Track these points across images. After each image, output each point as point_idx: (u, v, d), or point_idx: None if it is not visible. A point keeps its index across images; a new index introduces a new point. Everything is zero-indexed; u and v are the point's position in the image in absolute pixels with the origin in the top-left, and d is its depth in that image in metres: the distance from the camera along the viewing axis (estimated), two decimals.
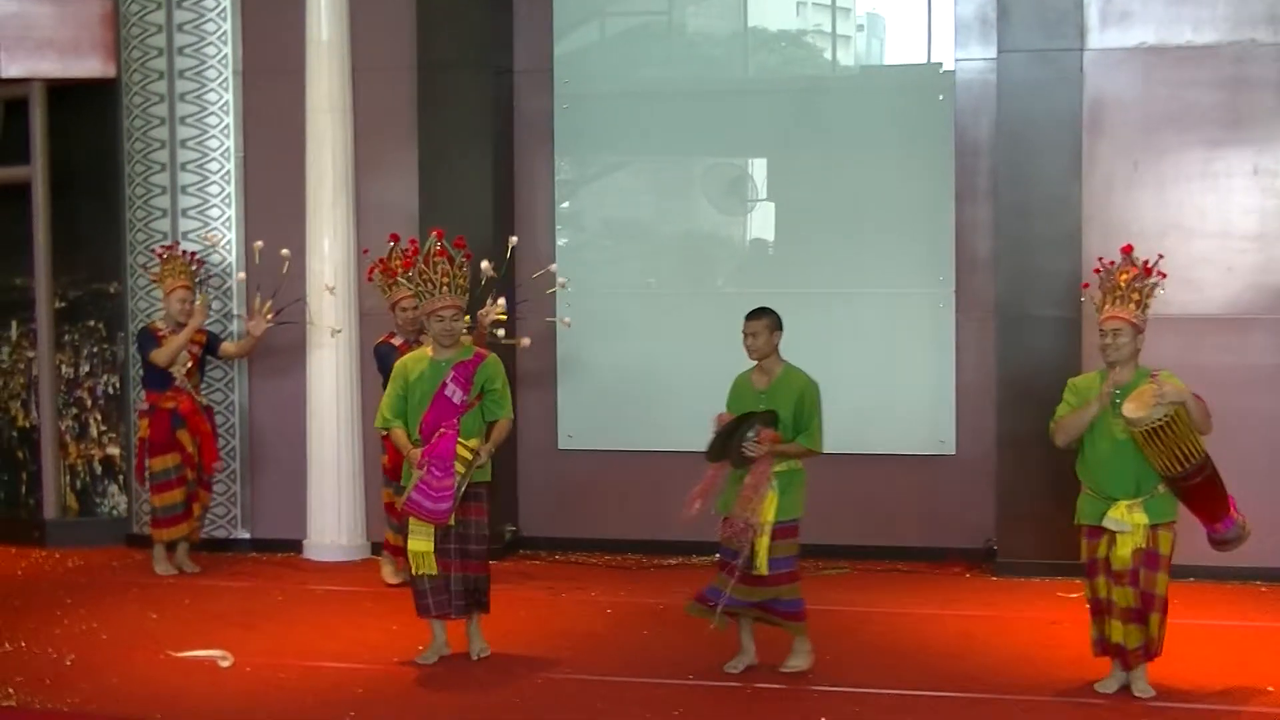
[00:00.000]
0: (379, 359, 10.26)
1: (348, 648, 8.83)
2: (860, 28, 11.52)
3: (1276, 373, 10.45)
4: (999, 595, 10.17)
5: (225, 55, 11.74)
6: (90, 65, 11.94)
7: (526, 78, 11.75)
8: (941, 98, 11.09)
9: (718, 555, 8.26)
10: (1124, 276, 7.75)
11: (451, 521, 8.20)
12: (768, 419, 7.92)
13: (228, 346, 11.19)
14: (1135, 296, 7.72)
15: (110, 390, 12.05)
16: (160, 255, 11.10)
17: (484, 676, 8.20)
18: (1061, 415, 7.84)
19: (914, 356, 11.19)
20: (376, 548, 11.02)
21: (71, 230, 12.10)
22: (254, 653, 8.66)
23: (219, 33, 11.72)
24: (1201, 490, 7.62)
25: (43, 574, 11.16)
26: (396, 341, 10.24)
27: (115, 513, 12.12)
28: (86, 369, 12.17)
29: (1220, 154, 10.51)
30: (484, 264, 9.88)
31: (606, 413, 11.63)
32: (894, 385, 11.14)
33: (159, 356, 10.76)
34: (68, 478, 12.19)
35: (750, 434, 7.88)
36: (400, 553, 10.27)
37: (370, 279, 10.56)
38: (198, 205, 11.76)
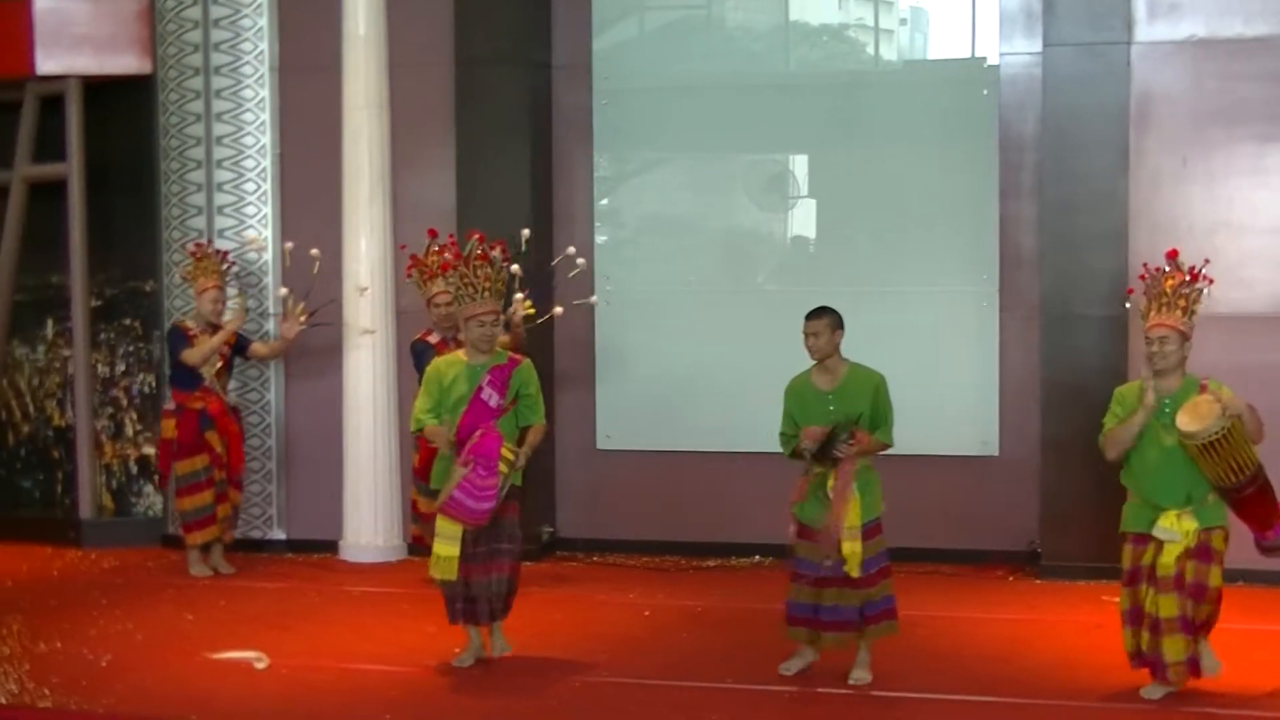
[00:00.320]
0: (415, 357, 10.20)
1: (384, 650, 8.78)
2: (903, 22, 11.41)
3: None
4: (1043, 599, 10.07)
5: (261, 51, 11.68)
6: (126, 61, 11.91)
7: (565, 73, 11.67)
8: (985, 92, 10.96)
9: (794, 568, 8.09)
10: (1170, 282, 7.61)
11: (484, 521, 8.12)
12: (857, 422, 7.83)
13: (258, 347, 11.12)
14: (1182, 303, 7.57)
15: (146, 389, 12.00)
16: (193, 254, 11.03)
17: (520, 680, 8.14)
18: (1110, 428, 7.70)
19: (957, 355, 11.07)
20: (415, 549, 10.94)
21: (107, 228, 12.08)
22: (289, 654, 8.61)
23: (255, 28, 11.66)
24: (1254, 500, 7.49)
25: (78, 574, 11.14)
26: (433, 339, 10.18)
27: (151, 513, 12.07)
28: (122, 368, 12.14)
29: (1272, 149, 10.33)
30: (514, 268, 9.79)
31: (645, 413, 11.54)
32: (936, 384, 11.00)
33: (191, 357, 10.69)
34: (103, 477, 12.16)
35: (843, 436, 7.77)
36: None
37: (409, 275, 10.48)
38: (233, 202, 11.71)
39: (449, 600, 8.31)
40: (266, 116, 11.70)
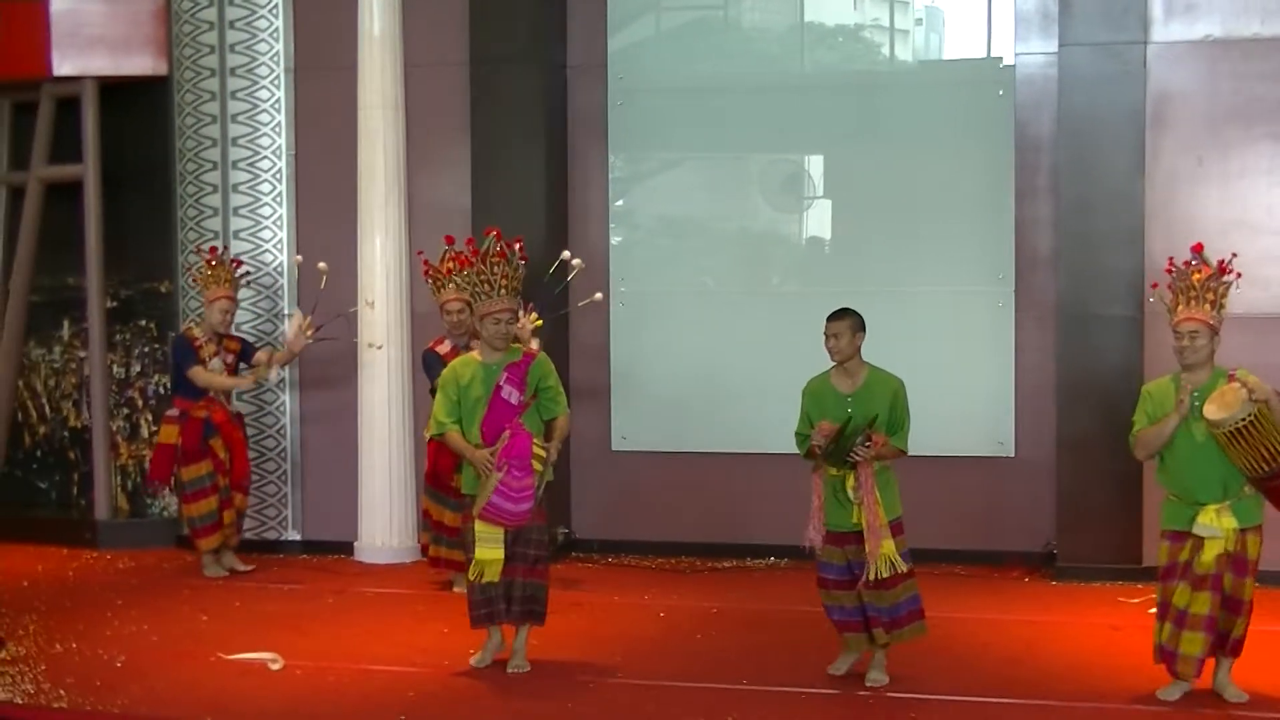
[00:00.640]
0: (426, 368, 10.17)
1: (399, 651, 8.76)
2: (919, 22, 11.38)
3: None
4: (1059, 600, 10.02)
5: (277, 52, 11.69)
6: (142, 63, 11.92)
7: (580, 73, 11.66)
8: (1001, 92, 10.93)
9: (821, 575, 8.06)
10: (1197, 276, 7.59)
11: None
12: (872, 425, 7.80)
13: (263, 356, 11.05)
14: (1210, 297, 7.55)
15: (161, 390, 11.98)
16: (208, 260, 10.99)
17: (536, 682, 8.11)
18: (1140, 428, 7.67)
19: (973, 356, 11.04)
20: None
21: (122, 229, 12.09)
22: (304, 655, 8.60)
23: (271, 29, 11.67)
24: None
25: (94, 575, 11.14)
26: (443, 349, 10.10)
27: (166, 514, 12.07)
28: (138, 369, 12.15)
29: None
30: (573, 259, 9.73)
31: (661, 414, 11.52)
32: (952, 385, 10.97)
33: (198, 377, 10.67)
34: (119, 478, 12.17)
35: (860, 438, 7.73)
36: (438, 562, 10.27)
37: (426, 277, 10.45)
38: (249, 203, 11.71)
39: (473, 605, 8.24)
40: (282, 117, 11.71)
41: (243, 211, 11.74)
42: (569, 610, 9.46)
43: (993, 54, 11.08)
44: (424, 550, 10.73)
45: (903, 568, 7.85)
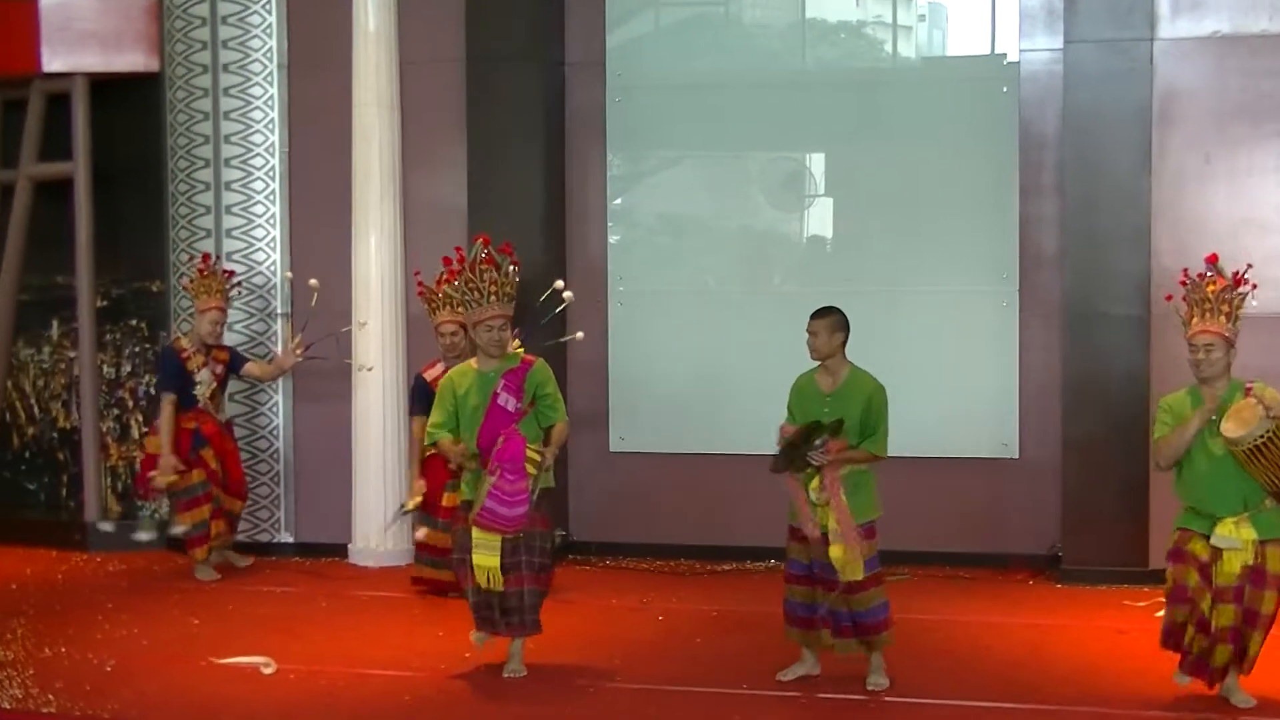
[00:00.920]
0: (411, 395, 10.24)
1: (394, 654, 8.68)
2: (922, 18, 11.34)
3: None
4: (1064, 603, 9.95)
5: (270, 48, 11.59)
6: (133, 59, 11.85)
7: (578, 70, 11.59)
8: (1005, 89, 10.87)
9: (787, 569, 8.02)
10: (1212, 288, 7.52)
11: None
12: (835, 429, 7.71)
13: (252, 368, 11.00)
14: (1225, 309, 7.48)
15: (152, 391, 11.86)
16: (200, 270, 10.89)
17: (533, 685, 8.05)
18: (1161, 437, 7.58)
19: (976, 356, 10.96)
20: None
21: (114, 227, 12.01)
22: (298, 659, 8.52)
23: (264, 25, 11.57)
24: None
25: (83, 578, 11.06)
26: (434, 374, 9.95)
27: (157, 516, 11.95)
28: (128, 369, 12.07)
29: None
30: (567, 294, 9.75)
31: (659, 415, 11.46)
32: (956, 386, 10.92)
33: (161, 426, 10.62)
34: (109, 480, 12.07)
35: (818, 443, 7.66)
36: (430, 583, 10.15)
37: (421, 298, 10.33)
38: (242, 201, 11.61)
39: (472, 608, 8.21)
40: (275, 114, 11.60)
41: (235, 209, 11.63)
42: (567, 612, 9.37)
43: (997, 50, 11.02)
44: (417, 581, 10.54)
45: (856, 575, 7.71)
